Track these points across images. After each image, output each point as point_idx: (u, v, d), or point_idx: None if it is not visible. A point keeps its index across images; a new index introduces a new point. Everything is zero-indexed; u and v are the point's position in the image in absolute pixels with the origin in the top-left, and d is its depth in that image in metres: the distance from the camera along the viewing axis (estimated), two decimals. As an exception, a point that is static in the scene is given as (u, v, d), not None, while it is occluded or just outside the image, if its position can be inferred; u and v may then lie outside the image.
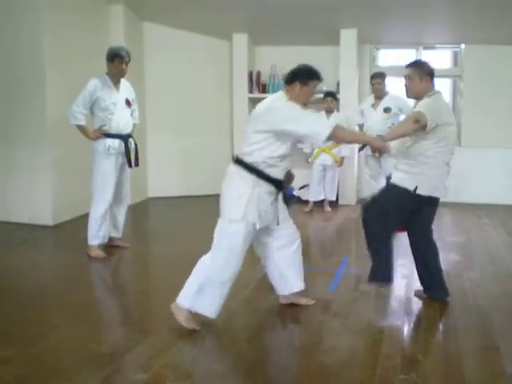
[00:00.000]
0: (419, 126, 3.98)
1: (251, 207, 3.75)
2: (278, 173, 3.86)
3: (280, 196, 4.07)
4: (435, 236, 4.46)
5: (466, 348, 3.63)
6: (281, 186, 3.97)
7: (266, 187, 3.82)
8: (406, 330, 3.99)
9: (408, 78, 4.21)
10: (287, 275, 4.19)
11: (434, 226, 4.45)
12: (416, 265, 4.52)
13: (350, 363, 3.41)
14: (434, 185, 4.14)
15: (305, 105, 3.95)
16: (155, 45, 8.86)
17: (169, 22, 8.75)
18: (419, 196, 4.10)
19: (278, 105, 3.80)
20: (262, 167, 3.77)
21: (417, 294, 4.55)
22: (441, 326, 4.03)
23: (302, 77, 3.87)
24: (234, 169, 3.88)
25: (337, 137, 3.88)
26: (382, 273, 4.37)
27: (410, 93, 4.26)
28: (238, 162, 3.86)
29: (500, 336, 3.78)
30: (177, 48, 8.89)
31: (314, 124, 3.74)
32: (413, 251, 4.49)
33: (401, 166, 4.24)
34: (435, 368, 3.35)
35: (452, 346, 3.68)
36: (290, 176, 4.15)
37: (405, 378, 3.20)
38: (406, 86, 4.26)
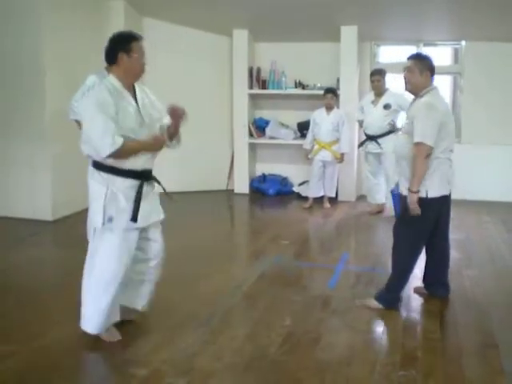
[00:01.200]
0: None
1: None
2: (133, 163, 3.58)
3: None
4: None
5: (466, 345, 3.64)
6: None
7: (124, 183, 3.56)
8: (406, 326, 3.99)
9: (408, 69, 4.16)
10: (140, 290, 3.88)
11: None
12: (427, 262, 4.52)
13: (348, 360, 3.42)
14: (442, 183, 4.13)
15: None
16: (155, 41, 8.81)
17: (169, 17, 8.73)
18: (433, 199, 4.07)
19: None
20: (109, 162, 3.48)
21: (416, 291, 4.56)
22: (440, 323, 4.02)
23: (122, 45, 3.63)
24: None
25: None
26: (395, 299, 4.30)
27: (409, 85, 4.19)
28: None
29: (499, 333, 3.80)
30: (177, 44, 8.87)
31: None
32: (429, 250, 4.44)
33: (406, 174, 4.17)
34: (434, 365, 3.37)
35: (451, 343, 3.70)
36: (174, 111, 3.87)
37: (404, 375, 3.22)
38: (405, 77, 4.20)
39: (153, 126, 3.77)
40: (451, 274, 4.91)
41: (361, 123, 7.91)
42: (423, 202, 4.03)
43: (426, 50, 8.96)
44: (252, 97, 9.10)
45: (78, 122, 5.53)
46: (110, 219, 3.49)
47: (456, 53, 9.26)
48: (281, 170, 9.39)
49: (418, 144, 3.95)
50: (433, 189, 4.06)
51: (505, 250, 5.95)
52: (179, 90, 8.96)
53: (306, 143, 8.32)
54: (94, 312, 3.57)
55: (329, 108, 8.16)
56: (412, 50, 9.07)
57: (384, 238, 6.68)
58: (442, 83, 9.19)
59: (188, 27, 8.87)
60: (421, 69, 4.10)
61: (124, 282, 3.64)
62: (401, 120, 7.65)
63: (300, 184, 9.15)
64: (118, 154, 3.40)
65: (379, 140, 7.51)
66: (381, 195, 7.91)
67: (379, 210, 7.94)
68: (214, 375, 3.22)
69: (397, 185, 4.39)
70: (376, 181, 7.89)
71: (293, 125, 9.19)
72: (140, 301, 3.87)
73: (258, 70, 9.18)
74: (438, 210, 4.19)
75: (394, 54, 9.51)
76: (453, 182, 4.25)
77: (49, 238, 6.48)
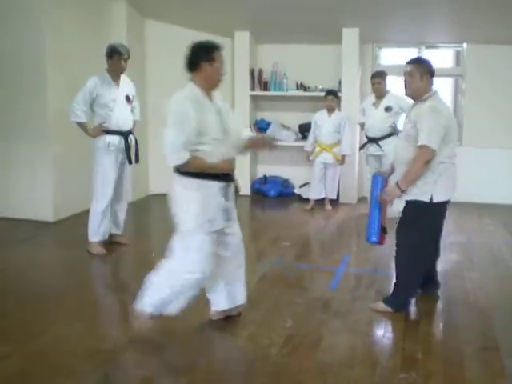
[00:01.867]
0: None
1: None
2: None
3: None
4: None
5: (467, 348, 3.63)
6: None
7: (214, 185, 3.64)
8: (406, 329, 3.98)
9: (408, 74, 4.12)
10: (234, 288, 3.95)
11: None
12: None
13: (349, 362, 3.41)
14: (447, 188, 4.11)
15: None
16: (157, 42, 8.85)
17: (171, 19, 8.74)
18: (438, 204, 4.06)
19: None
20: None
21: None
22: (441, 326, 4.02)
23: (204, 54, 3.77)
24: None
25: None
26: (403, 302, 4.26)
27: (409, 90, 4.16)
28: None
29: (500, 336, 3.79)
30: (179, 45, 8.71)
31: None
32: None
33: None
34: (435, 367, 3.36)
35: (452, 345, 3.69)
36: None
37: (404, 377, 3.21)
38: (405, 82, 4.16)
39: (232, 134, 3.78)
40: (453, 277, 4.94)
41: (362, 125, 7.90)
42: (427, 206, 4.02)
43: (427, 53, 8.98)
44: (253, 98, 9.10)
45: (80, 124, 5.54)
46: (204, 222, 3.58)
47: (458, 55, 9.26)
48: (282, 172, 9.39)
49: (422, 147, 3.91)
50: (438, 194, 4.03)
51: (506, 253, 5.94)
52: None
53: (307, 145, 8.32)
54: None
55: (330, 110, 8.16)
56: (413, 52, 9.09)
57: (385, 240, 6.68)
58: (444, 86, 9.19)
59: (190, 29, 8.86)
60: (421, 73, 4.08)
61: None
62: (402, 122, 7.65)
63: (301, 186, 9.14)
64: (184, 167, 3.60)
65: (380, 142, 7.50)
66: (382, 197, 7.90)
67: (380, 213, 7.93)
68: (215, 376, 3.22)
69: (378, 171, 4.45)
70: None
71: (294, 126, 9.19)
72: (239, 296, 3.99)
73: (260, 72, 9.18)
74: (442, 213, 4.22)
75: (395, 57, 9.51)
76: (456, 186, 4.23)
77: (49, 239, 6.46)
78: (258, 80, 9.14)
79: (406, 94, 4.25)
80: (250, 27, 8.92)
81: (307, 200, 8.40)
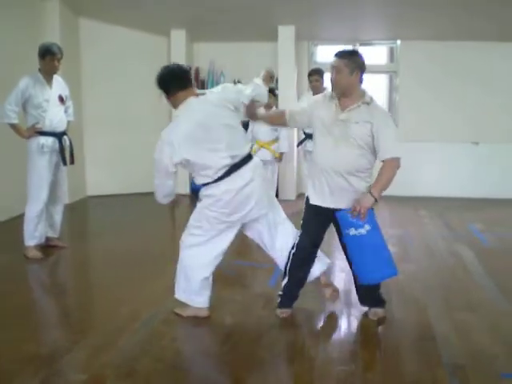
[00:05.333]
0: None
1: None
2: None
3: None
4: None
5: (404, 339, 3.71)
6: None
7: None
8: (345, 322, 4.03)
9: (336, 70, 3.67)
10: None
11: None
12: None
13: (289, 357, 3.44)
14: None
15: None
16: (92, 41, 8.71)
17: (105, 17, 8.62)
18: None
19: None
20: None
21: None
22: (378, 318, 4.07)
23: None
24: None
25: None
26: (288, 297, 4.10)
27: (337, 88, 3.70)
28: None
29: (436, 327, 3.87)
30: (113, 44, 8.76)
31: None
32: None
33: (353, 190, 3.75)
34: (373, 359, 3.41)
35: (389, 337, 3.76)
36: None
37: (343, 370, 3.25)
38: (332, 79, 3.72)
39: None
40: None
41: (299, 122, 7.96)
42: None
43: (362, 49, 9.11)
44: (191, 97, 9.08)
45: (12, 126, 5.40)
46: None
47: (391, 52, 9.44)
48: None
49: (394, 159, 3.69)
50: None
51: (442, 245, 6.09)
52: (117, 91, 8.88)
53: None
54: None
55: (267, 108, 8.18)
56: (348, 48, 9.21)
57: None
58: (378, 82, 9.36)
59: (125, 27, 8.79)
60: (352, 68, 3.63)
61: None
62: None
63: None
64: None
65: (318, 139, 7.57)
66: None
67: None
68: (156, 377, 3.19)
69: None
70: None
71: (232, 125, 9.18)
72: None
73: (197, 70, 9.16)
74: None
75: (331, 54, 9.61)
76: None
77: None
78: (195, 79, 9.12)
79: (334, 92, 3.75)
80: (186, 25, 8.90)
81: (247, 198, 8.41)
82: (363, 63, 3.70)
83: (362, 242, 3.65)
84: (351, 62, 3.65)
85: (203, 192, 3.88)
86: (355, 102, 3.67)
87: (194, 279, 3.91)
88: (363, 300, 4.10)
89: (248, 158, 3.84)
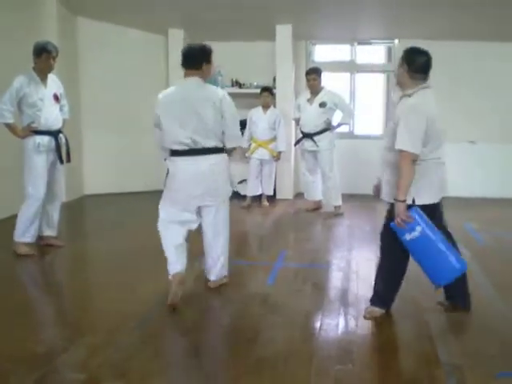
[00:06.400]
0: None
1: None
2: None
3: None
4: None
5: (401, 338, 3.73)
6: None
7: None
8: (342, 321, 4.03)
9: (399, 65, 3.94)
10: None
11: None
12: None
13: (286, 355, 3.43)
14: (433, 189, 3.83)
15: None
16: (90, 40, 8.70)
17: (103, 16, 8.61)
18: (422, 207, 3.72)
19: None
20: None
21: (439, 304, 4.27)
22: (374, 318, 4.08)
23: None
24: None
25: None
26: (383, 299, 4.08)
27: (397, 81, 4.02)
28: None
29: (433, 325, 3.88)
30: (111, 43, 8.75)
31: None
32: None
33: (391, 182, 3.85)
34: (371, 358, 3.42)
35: (387, 335, 3.76)
36: None
37: (341, 369, 3.25)
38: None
39: None
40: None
41: (297, 121, 7.99)
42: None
43: (360, 49, 9.15)
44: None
45: (8, 125, 5.38)
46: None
47: (389, 51, 9.44)
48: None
49: (402, 152, 3.65)
50: (420, 196, 3.75)
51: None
52: (115, 90, 8.88)
53: (243, 142, 8.33)
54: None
55: (265, 107, 8.21)
56: (347, 48, 9.23)
57: (321, 234, 6.78)
58: (376, 81, 9.36)
59: (123, 26, 8.78)
60: (407, 64, 3.86)
61: None
62: (336, 118, 7.77)
63: (238, 183, 9.15)
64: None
65: (315, 138, 7.60)
66: (317, 192, 8.02)
67: (316, 207, 8.05)
68: (152, 376, 3.19)
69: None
70: (313, 178, 7.98)
71: (230, 124, 9.19)
72: None
73: (195, 69, 9.15)
74: (430, 217, 3.77)
75: (329, 53, 9.64)
76: (447, 187, 3.95)
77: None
78: (193, 77, 9.11)
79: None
80: (184, 24, 8.89)
81: (244, 197, 8.42)
82: (419, 62, 3.94)
83: (420, 244, 3.66)
84: (406, 58, 3.91)
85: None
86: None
87: None
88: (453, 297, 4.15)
89: (210, 151, 4.24)
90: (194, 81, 4.24)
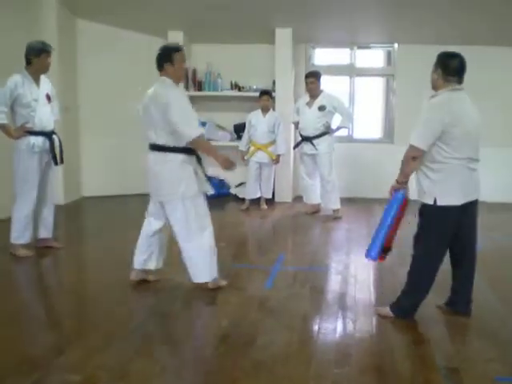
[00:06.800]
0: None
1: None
2: None
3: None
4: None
5: (398, 342, 3.71)
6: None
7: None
8: (340, 324, 4.03)
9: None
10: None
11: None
12: (452, 278, 4.18)
13: (284, 359, 3.42)
14: (457, 191, 3.81)
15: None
16: (89, 42, 8.70)
17: (103, 19, 8.60)
18: (445, 208, 3.80)
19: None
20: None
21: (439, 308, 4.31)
22: (373, 321, 4.08)
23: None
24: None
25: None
26: (408, 309, 4.07)
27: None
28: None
29: (431, 329, 3.88)
30: (111, 46, 8.75)
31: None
32: (452, 265, 4.16)
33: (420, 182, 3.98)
34: (368, 362, 3.41)
35: (384, 340, 3.76)
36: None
37: (339, 373, 3.25)
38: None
39: None
40: (385, 272, 5.02)
41: (296, 125, 7.99)
42: (432, 209, 3.84)
43: (359, 53, 9.15)
44: (188, 98, 9.07)
45: (1, 126, 5.35)
46: (197, 189, 4.44)
47: (389, 55, 9.45)
48: (218, 172, 9.37)
49: (409, 145, 3.98)
50: (443, 197, 3.79)
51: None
52: (114, 92, 8.87)
53: (242, 145, 8.35)
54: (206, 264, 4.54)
55: (265, 110, 8.21)
56: (346, 52, 9.24)
57: (319, 238, 6.77)
58: (376, 85, 9.38)
59: (122, 29, 8.78)
60: (435, 64, 4.17)
61: None
62: (335, 121, 7.77)
63: (237, 186, 9.17)
64: (197, 141, 4.38)
65: (314, 141, 7.60)
66: (316, 195, 8.02)
67: (315, 210, 8.05)
68: (151, 378, 3.19)
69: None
70: (311, 181, 7.98)
71: (229, 127, 9.21)
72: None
73: (194, 72, 9.16)
74: (455, 219, 3.84)
75: (328, 57, 9.64)
76: (475, 191, 3.94)
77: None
78: (193, 80, 9.13)
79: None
80: (184, 27, 8.89)
81: (243, 200, 8.43)
82: (446, 62, 4.15)
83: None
84: (436, 59, 4.20)
85: None
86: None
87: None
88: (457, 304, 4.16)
89: (158, 148, 4.41)
90: (159, 81, 4.51)
